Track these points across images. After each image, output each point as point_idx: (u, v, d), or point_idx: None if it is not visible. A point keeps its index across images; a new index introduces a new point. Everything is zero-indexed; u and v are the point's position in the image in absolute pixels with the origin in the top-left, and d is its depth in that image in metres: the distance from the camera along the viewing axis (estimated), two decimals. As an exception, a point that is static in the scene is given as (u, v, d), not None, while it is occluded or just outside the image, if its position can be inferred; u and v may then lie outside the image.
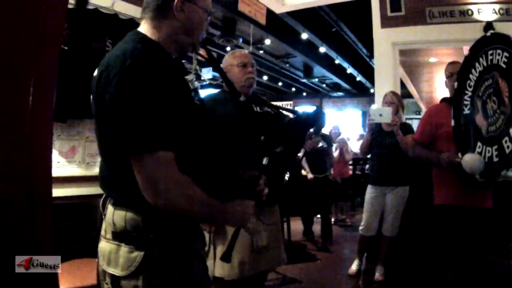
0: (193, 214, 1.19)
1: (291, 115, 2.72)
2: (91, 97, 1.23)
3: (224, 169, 1.53)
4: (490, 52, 2.43)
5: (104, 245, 1.23)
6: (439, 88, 8.85)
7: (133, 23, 3.18)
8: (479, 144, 2.38)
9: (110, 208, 1.22)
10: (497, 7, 3.94)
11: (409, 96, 10.71)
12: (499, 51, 2.41)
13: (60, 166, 2.86)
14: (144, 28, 1.28)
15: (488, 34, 2.51)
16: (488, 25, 3.91)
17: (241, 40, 7.48)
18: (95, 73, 1.20)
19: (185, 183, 1.13)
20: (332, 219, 6.97)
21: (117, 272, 1.16)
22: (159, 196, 1.09)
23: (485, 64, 2.42)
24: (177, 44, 1.31)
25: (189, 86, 1.32)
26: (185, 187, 1.13)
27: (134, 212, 1.16)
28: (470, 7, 4.06)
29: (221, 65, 2.32)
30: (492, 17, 3.96)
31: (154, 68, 1.12)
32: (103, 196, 1.28)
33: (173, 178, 1.11)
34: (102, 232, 1.25)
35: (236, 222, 1.34)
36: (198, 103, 1.36)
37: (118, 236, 1.18)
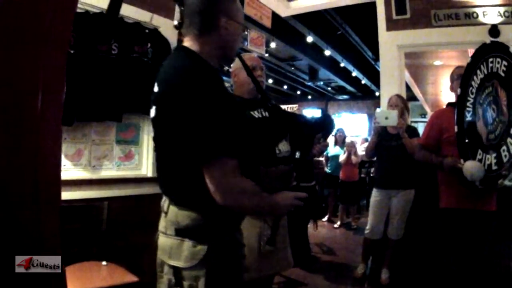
0: (254, 211, 1.49)
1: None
2: (152, 111, 1.37)
3: (258, 167, 1.67)
4: (490, 60, 2.44)
5: (165, 240, 1.38)
6: (444, 91, 8.83)
7: (139, 26, 3.19)
8: (479, 151, 2.39)
9: (172, 208, 1.36)
10: (502, 10, 3.93)
11: (415, 99, 10.69)
12: (498, 59, 2.43)
13: (65, 169, 2.87)
14: (190, 44, 1.39)
15: (488, 41, 2.52)
16: (493, 28, 3.90)
17: (246, 43, 7.49)
18: (155, 89, 1.34)
19: (251, 187, 1.28)
20: (338, 222, 6.98)
21: (179, 264, 1.30)
22: (229, 200, 1.24)
23: (485, 71, 2.44)
24: (219, 58, 1.44)
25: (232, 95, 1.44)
26: (252, 191, 1.28)
27: (196, 212, 1.31)
28: (475, 9, 4.05)
29: (231, 69, 2.33)
30: (497, 19, 3.95)
31: (212, 81, 1.25)
32: (164, 197, 1.43)
33: (240, 183, 1.26)
34: (162, 229, 1.40)
35: (281, 212, 1.50)
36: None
37: (181, 232, 1.33)
